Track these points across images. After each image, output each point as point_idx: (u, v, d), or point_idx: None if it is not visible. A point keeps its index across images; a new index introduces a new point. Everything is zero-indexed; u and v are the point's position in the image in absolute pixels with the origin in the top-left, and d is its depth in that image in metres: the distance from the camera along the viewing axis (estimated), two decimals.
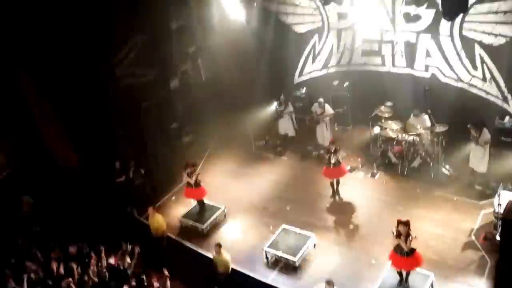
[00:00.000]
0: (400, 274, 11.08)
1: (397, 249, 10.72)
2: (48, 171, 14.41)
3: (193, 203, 14.79)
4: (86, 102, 14.07)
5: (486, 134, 13.55)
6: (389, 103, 15.57)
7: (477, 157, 13.80)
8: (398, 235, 10.56)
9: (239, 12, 15.53)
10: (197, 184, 14.17)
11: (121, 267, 11.68)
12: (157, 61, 16.19)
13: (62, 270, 11.43)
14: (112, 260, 11.95)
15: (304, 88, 18.51)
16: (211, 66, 18.46)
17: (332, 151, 13.94)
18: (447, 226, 12.75)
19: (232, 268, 11.89)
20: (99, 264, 11.73)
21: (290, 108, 17.41)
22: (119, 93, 14.92)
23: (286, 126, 17.67)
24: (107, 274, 11.43)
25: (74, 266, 11.38)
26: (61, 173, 14.48)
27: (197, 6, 16.73)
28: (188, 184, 14.28)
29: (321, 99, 16.48)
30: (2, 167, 14.22)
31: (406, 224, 10.51)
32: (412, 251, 10.62)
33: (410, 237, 10.48)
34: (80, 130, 14.42)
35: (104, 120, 14.65)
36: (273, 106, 17.71)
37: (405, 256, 10.61)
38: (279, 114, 17.47)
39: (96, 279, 11.26)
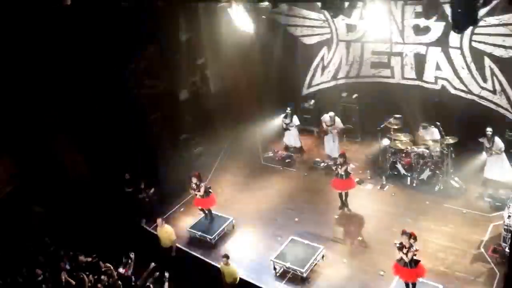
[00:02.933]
0: (407, 285, 10.99)
1: (400, 260, 10.69)
2: (58, 181, 14.47)
3: (201, 213, 14.80)
4: (96, 112, 14.17)
5: (499, 142, 13.68)
6: (398, 115, 15.56)
7: (498, 166, 13.91)
8: (401, 247, 10.52)
9: (248, 24, 15.59)
10: (207, 193, 14.21)
11: (132, 278, 11.68)
12: (167, 73, 16.31)
13: (72, 281, 11.44)
14: (121, 270, 11.95)
15: (313, 100, 18.57)
16: (220, 77, 18.55)
17: (340, 163, 13.94)
18: (456, 238, 12.68)
19: (240, 279, 11.88)
20: (111, 274, 11.73)
21: (296, 121, 17.47)
22: (129, 104, 15.00)
23: (293, 139, 17.75)
24: (120, 284, 11.42)
25: (85, 276, 11.40)
26: (72, 183, 14.53)
27: (206, 18, 16.85)
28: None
29: (332, 113, 16.51)
30: (3, 183, 14.19)
31: (410, 236, 10.46)
32: (416, 262, 10.57)
33: (412, 248, 10.43)
34: (90, 141, 14.51)
35: (114, 131, 14.74)
36: (280, 119, 17.74)
37: (408, 267, 10.56)
38: (285, 127, 17.52)
39: None
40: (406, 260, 10.50)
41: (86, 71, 13.78)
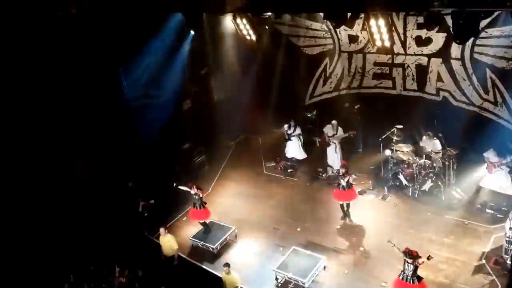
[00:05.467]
0: None
1: (402, 275, 10.62)
2: (61, 189, 14.49)
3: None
4: (99, 121, 14.22)
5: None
6: (400, 126, 15.60)
7: (499, 177, 13.89)
8: (406, 262, 10.50)
9: (251, 34, 15.73)
10: (202, 205, 14.28)
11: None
12: (170, 82, 16.38)
13: None
14: (123, 280, 11.99)
15: (315, 110, 18.62)
16: (223, 87, 18.65)
17: (341, 174, 13.98)
18: (457, 250, 12.69)
19: None
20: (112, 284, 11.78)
21: (298, 130, 17.55)
22: (132, 113, 15.06)
23: (294, 150, 17.80)
24: None
25: (86, 285, 11.44)
26: (74, 191, 14.55)
27: (210, 28, 16.95)
28: (194, 205, 14.36)
29: (334, 122, 16.55)
30: None
31: (413, 256, 10.44)
32: (419, 279, 10.51)
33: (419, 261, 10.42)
34: (93, 149, 14.57)
35: (117, 140, 14.80)
36: (283, 129, 17.80)
37: (411, 283, 10.48)
38: (287, 137, 17.59)
39: None
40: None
41: (90, 79, 13.83)
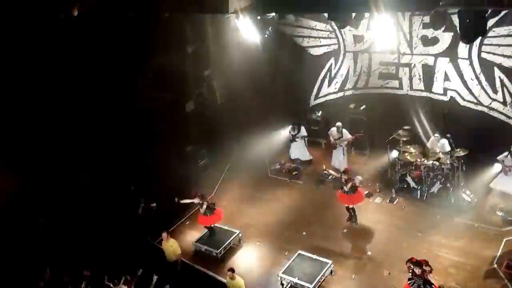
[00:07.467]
0: None
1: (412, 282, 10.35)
2: (62, 192, 14.36)
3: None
4: (102, 123, 14.09)
5: None
6: (407, 127, 15.37)
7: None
8: (414, 274, 10.24)
9: (254, 35, 15.54)
10: (210, 210, 14.04)
11: None
12: (173, 84, 16.24)
13: None
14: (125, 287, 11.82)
15: (320, 111, 18.43)
16: (227, 89, 18.49)
17: (345, 180, 13.73)
18: (468, 254, 12.43)
19: None
20: None
21: (303, 132, 17.31)
22: (135, 115, 14.92)
23: (298, 151, 17.57)
24: None
25: None
26: (75, 195, 14.41)
27: (213, 29, 16.80)
28: (203, 213, 14.14)
29: (339, 124, 16.34)
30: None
31: (420, 264, 10.19)
32: (430, 284, 10.23)
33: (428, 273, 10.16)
34: (95, 152, 14.43)
35: (119, 142, 14.65)
36: (287, 130, 17.60)
37: None
38: (292, 138, 17.36)
39: None
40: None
41: (91, 82, 13.70)
